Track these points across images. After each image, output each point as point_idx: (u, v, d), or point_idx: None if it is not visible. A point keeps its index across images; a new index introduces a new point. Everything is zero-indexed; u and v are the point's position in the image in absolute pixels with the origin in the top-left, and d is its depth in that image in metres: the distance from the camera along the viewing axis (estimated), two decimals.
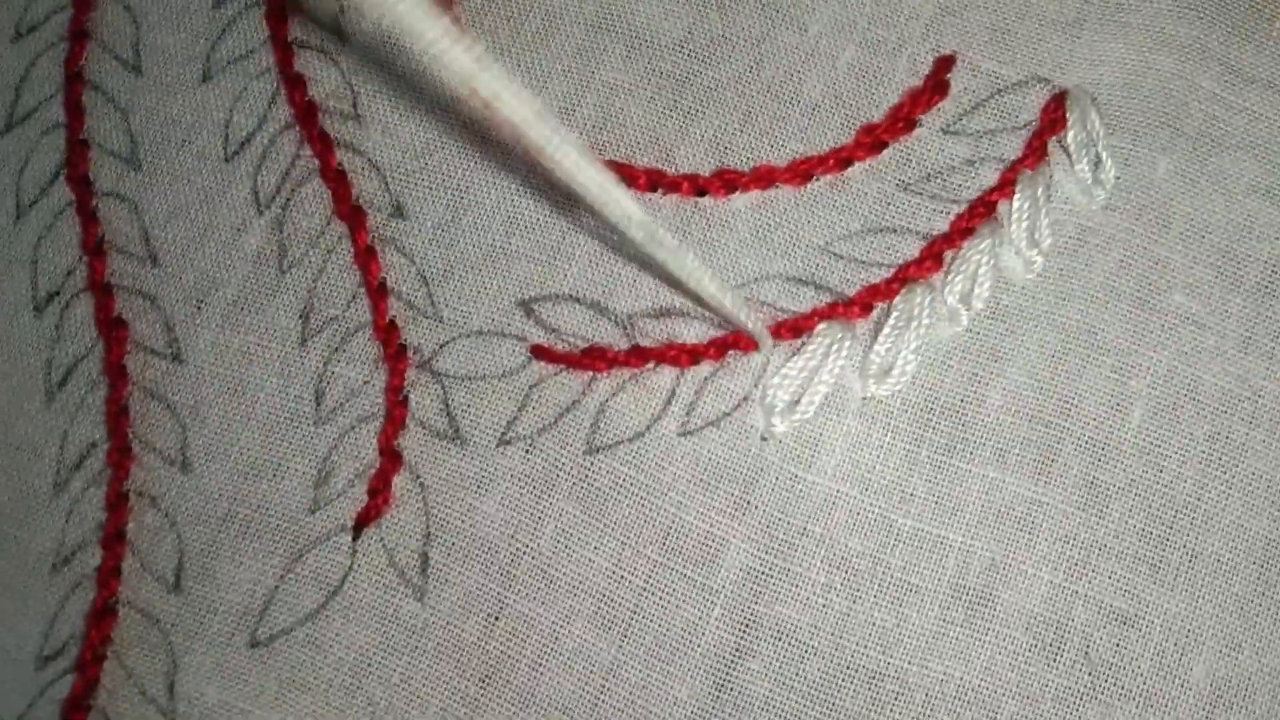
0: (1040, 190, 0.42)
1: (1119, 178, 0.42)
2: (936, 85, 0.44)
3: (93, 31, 0.47)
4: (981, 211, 0.42)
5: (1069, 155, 0.42)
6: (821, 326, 0.41)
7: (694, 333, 0.42)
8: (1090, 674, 0.40)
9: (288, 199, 0.44)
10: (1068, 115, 0.42)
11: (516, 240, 0.43)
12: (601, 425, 0.42)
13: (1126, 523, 0.41)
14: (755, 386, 0.41)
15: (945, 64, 0.44)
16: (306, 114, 0.45)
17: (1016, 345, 0.42)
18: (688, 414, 0.42)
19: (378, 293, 0.43)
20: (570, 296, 0.43)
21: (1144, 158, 0.43)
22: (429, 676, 0.41)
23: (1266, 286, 0.42)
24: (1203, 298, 0.42)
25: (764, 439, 0.41)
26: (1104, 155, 0.42)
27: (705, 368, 0.42)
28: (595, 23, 0.45)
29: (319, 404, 0.43)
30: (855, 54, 0.45)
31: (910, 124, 0.43)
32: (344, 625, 0.41)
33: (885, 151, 0.43)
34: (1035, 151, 0.42)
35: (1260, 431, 0.41)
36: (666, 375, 0.42)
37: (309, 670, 0.41)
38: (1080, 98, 0.43)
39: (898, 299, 0.42)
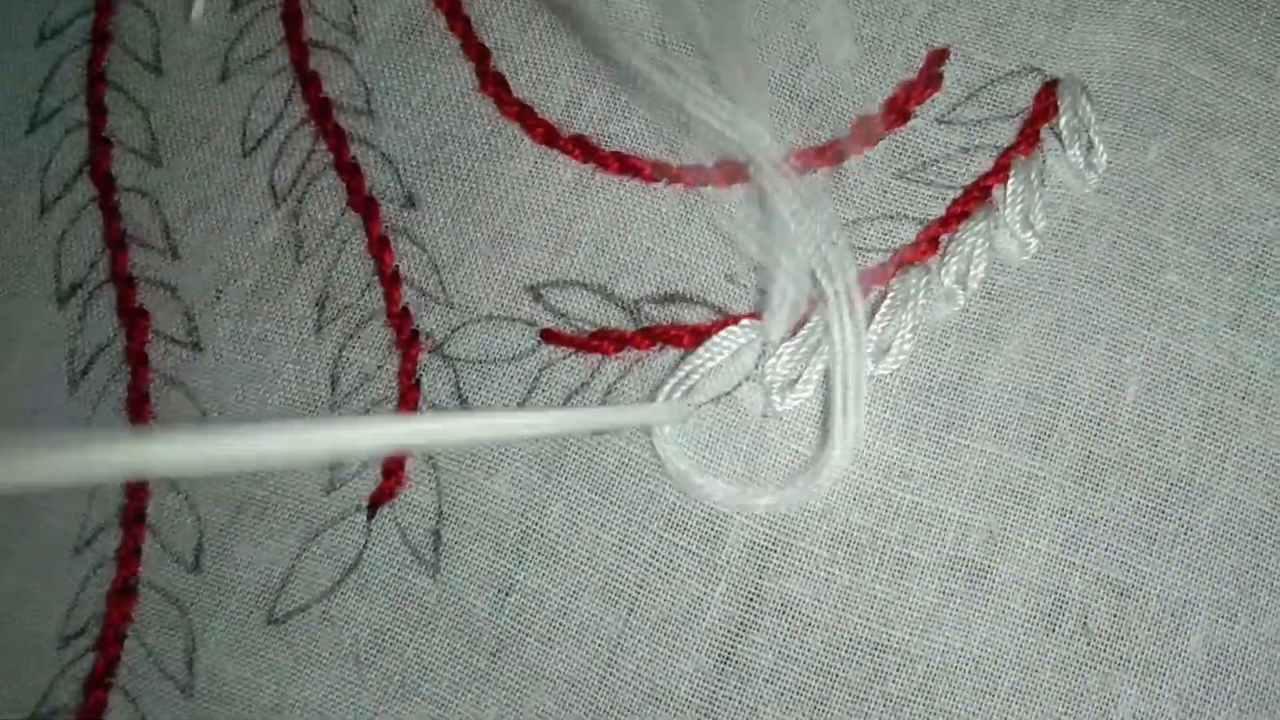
0: (1034, 174, 0.45)
1: (1111, 162, 0.46)
2: (930, 78, 0.47)
3: (114, 34, 0.50)
4: (976, 196, 0.45)
5: (1061, 141, 0.45)
6: (820, 308, 0.44)
7: (697, 316, 0.45)
8: (1089, 643, 0.42)
9: (303, 192, 0.48)
10: (1060, 102, 0.46)
11: (524, 227, 0.47)
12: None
13: (1122, 496, 0.43)
14: (756, 366, 0.44)
15: (939, 57, 0.47)
16: (321, 110, 0.48)
17: (1012, 324, 0.45)
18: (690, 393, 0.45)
19: (390, 281, 0.46)
20: (577, 282, 0.46)
21: (1135, 143, 0.46)
22: (441, 651, 0.44)
23: (1257, 265, 0.45)
24: (1195, 276, 0.45)
25: (765, 416, 0.44)
26: (1096, 140, 0.45)
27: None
28: (599, 21, 0.49)
29: (334, 388, 0.46)
30: (851, 50, 0.48)
31: (905, 115, 0.47)
32: (359, 602, 0.44)
33: (881, 143, 0.47)
34: (1028, 138, 0.46)
35: (1253, 406, 0.44)
36: (671, 357, 0.45)
37: (325, 645, 0.44)
38: (1072, 85, 0.46)
39: (893, 281, 0.45)
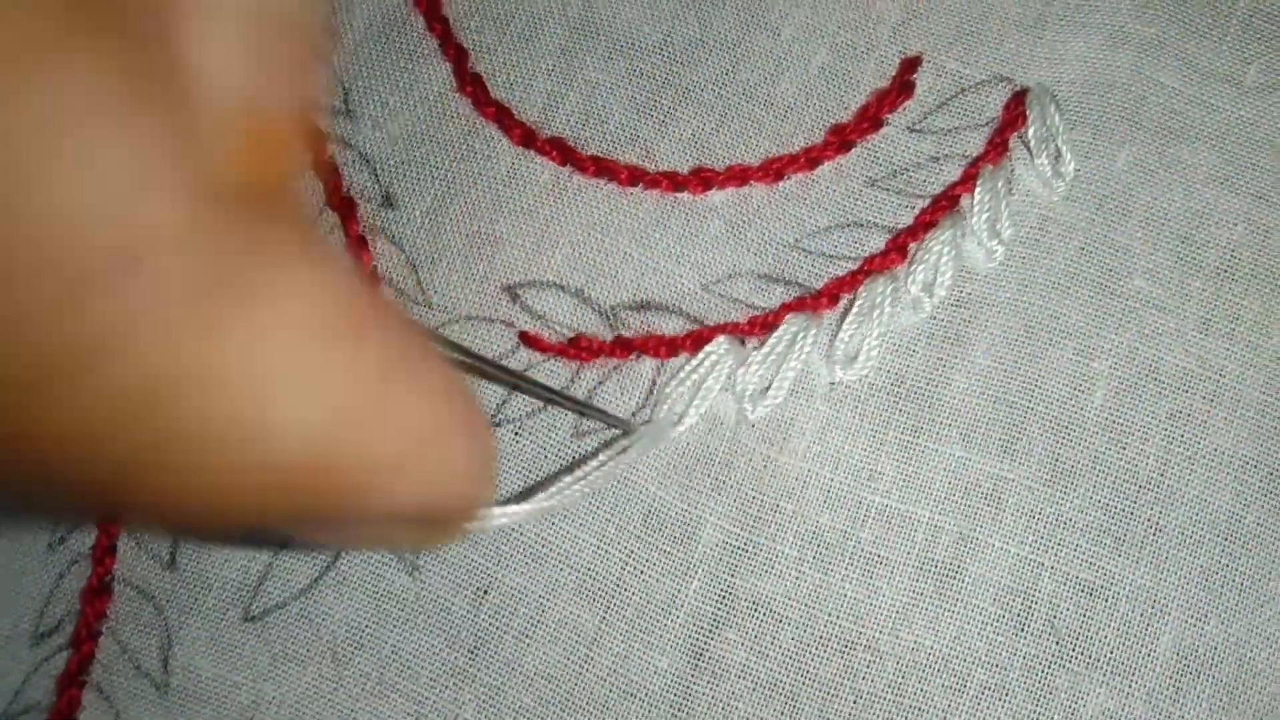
0: (1001, 183, 0.47)
1: (1079, 170, 0.47)
2: (903, 86, 0.49)
3: None
4: (944, 205, 0.47)
5: (1030, 150, 0.47)
6: (789, 317, 0.46)
7: (671, 326, 0.47)
8: (1057, 643, 0.44)
9: None
10: (1028, 112, 0.47)
11: (501, 227, 0.48)
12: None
13: (1091, 498, 0.45)
14: (728, 376, 0.46)
15: (911, 65, 0.49)
16: None
17: (980, 330, 0.46)
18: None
19: (369, 280, 0.47)
20: (555, 284, 0.47)
21: (1104, 150, 0.48)
22: (419, 649, 0.45)
23: (1225, 270, 0.47)
24: (1163, 282, 0.47)
25: (738, 424, 0.46)
26: (1064, 149, 0.47)
27: (682, 359, 0.46)
28: (578, 24, 0.50)
29: None
30: (826, 57, 0.50)
31: (877, 123, 0.48)
32: (337, 600, 0.45)
33: (853, 150, 0.48)
34: (997, 147, 0.47)
35: (1221, 409, 0.46)
36: (648, 365, 0.47)
37: (302, 643, 0.45)
38: (1040, 95, 0.48)
39: (861, 289, 0.46)
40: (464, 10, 0.51)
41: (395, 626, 0.45)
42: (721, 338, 0.46)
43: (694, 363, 0.46)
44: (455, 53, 0.49)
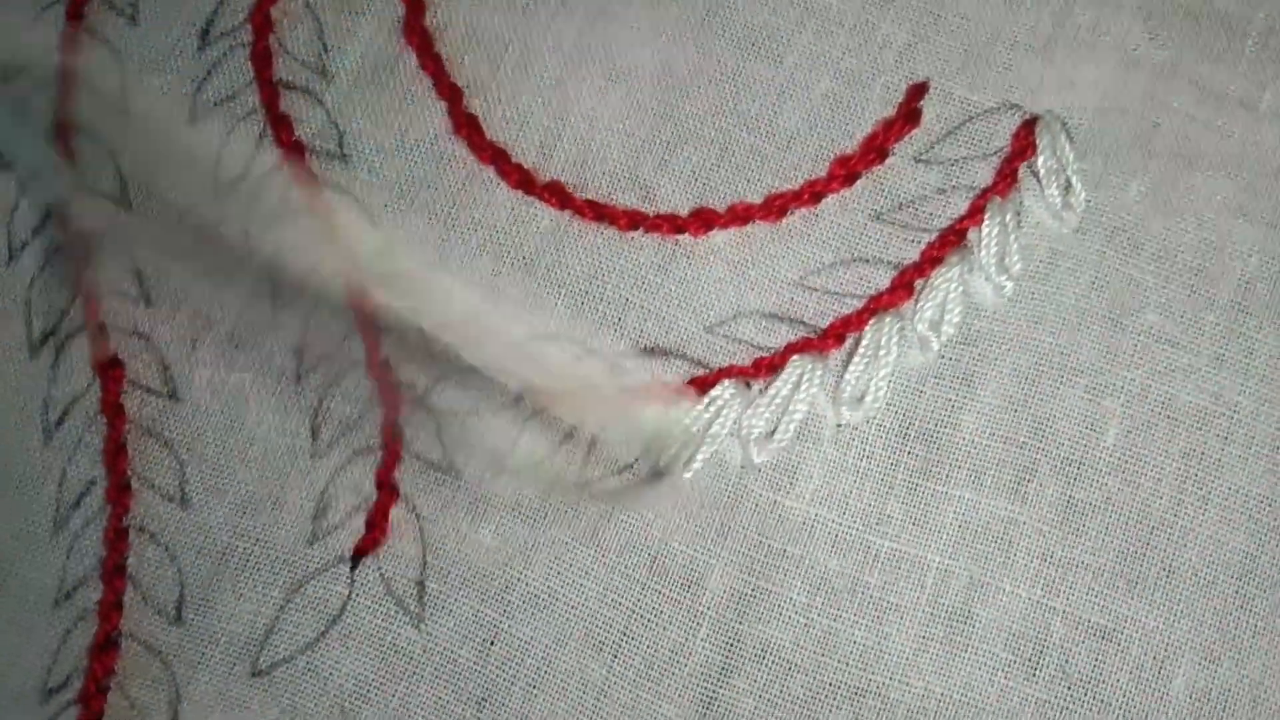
0: (1010, 217, 0.46)
1: (1090, 201, 0.47)
2: (909, 114, 0.48)
3: (81, 74, 0.51)
4: (951, 240, 0.46)
5: (1039, 181, 0.47)
6: (794, 359, 0.46)
7: (676, 370, 0.47)
8: (1069, 688, 0.44)
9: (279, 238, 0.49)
10: (1038, 141, 0.47)
11: (503, 278, 0.48)
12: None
13: (1103, 539, 0.45)
14: (734, 421, 0.46)
15: (918, 91, 0.48)
16: (294, 154, 0.49)
17: (989, 369, 0.46)
18: None
19: (371, 330, 0.47)
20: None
21: (1116, 181, 0.47)
22: (426, 701, 0.45)
23: (1240, 304, 0.46)
24: (1176, 316, 0.46)
25: (743, 468, 0.46)
26: (1074, 180, 0.46)
27: (687, 405, 0.46)
28: (572, 54, 0.50)
29: (315, 439, 0.47)
30: (830, 85, 0.49)
31: (883, 154, 0.48)
32: (343, 653, 0.46)
33: (858, 182, 0.48)
34: (1005, 178, 0.47)
35: (1235, 447, 0.45)
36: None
37: (309, 697, 0.45)
38: (1051, 123, 0.47)
39: (867, 328, 0.46)
40: (457, 45, 0.50)
41: (402, 679, 0.45)
42: (726, 382, 0.46)
43: (699, 408, 0.46)
44: (449, 92, 0.49)
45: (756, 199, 0.48)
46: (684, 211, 0.48)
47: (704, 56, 0.49)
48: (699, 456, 0.45)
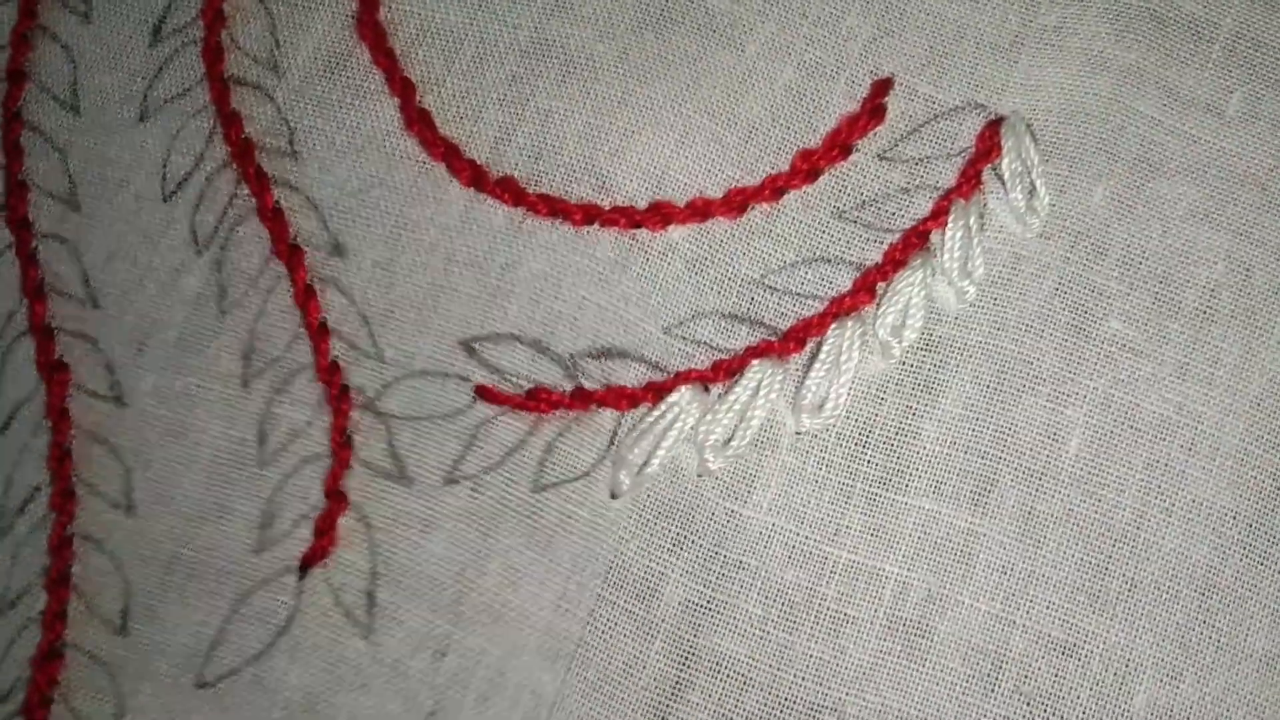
0: (973, 220, 0.46)
1: (1054, 205, 0.46)
2: (873, 110, 0.47)
3: (31, 72, 0.50)
4: (914, 242, 0.46)
5: (1003, 183, 0.46)
6: (754, 364, 0.45)
7: (632, 374, 0.46)
8: (1028, 705, 0.43)
9: (226, 239, 0.48)
10: (1003, 143, 0.46)
11: (455, 278, 0.47)
12: (548, 464, 0.46)
13: (1064, 552, 0.44)
14: (691, 427, 0.45)
15: (882, 87, 0.47)
16: (243, 152, 0.48)
17: (950, 376, 0.45)
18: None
19: (318, 333, 0.47)
20: (511, 335, 0.46)
21: (1080, 185, 0.46)
22: (376, 714, 0.45)
23: (1205, 311, 0.46)
24: (1140, 324, 0.45)
25: (700, 475, 0.45)
26: (1039, 183, 0.46)
27: (642, 410, 0.45)
28: (529, 49, 0.49)
29: (263, 446, 0.46)
30: (793, 76, 0.48)
31: (846, 150, 0.47)
32: (290, 665, 0.45)
33: (821, 179, 0.47)
34: (969, 180, 0.46)
35: (1199, 458, 0.45)
36: (609, 416, 0.46)
37: (256, 710, 0.45)
38: (1016, 125, 0.46)
39: (829, 333, 0.45)
40: (411, 40, 0.49)
41: (351, 691, 0.45)
42: (684, 388, 0.45)
43: (655, 414, 0.45)
44: (402, 87, 0.48)
45: (716, 191, 0.47)
46: (641, 204, 0.47)
47: (663, 44, 0.48)
48: (654, 462, 0.45)
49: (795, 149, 0.48)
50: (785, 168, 0.47)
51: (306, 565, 0.46)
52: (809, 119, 0.48)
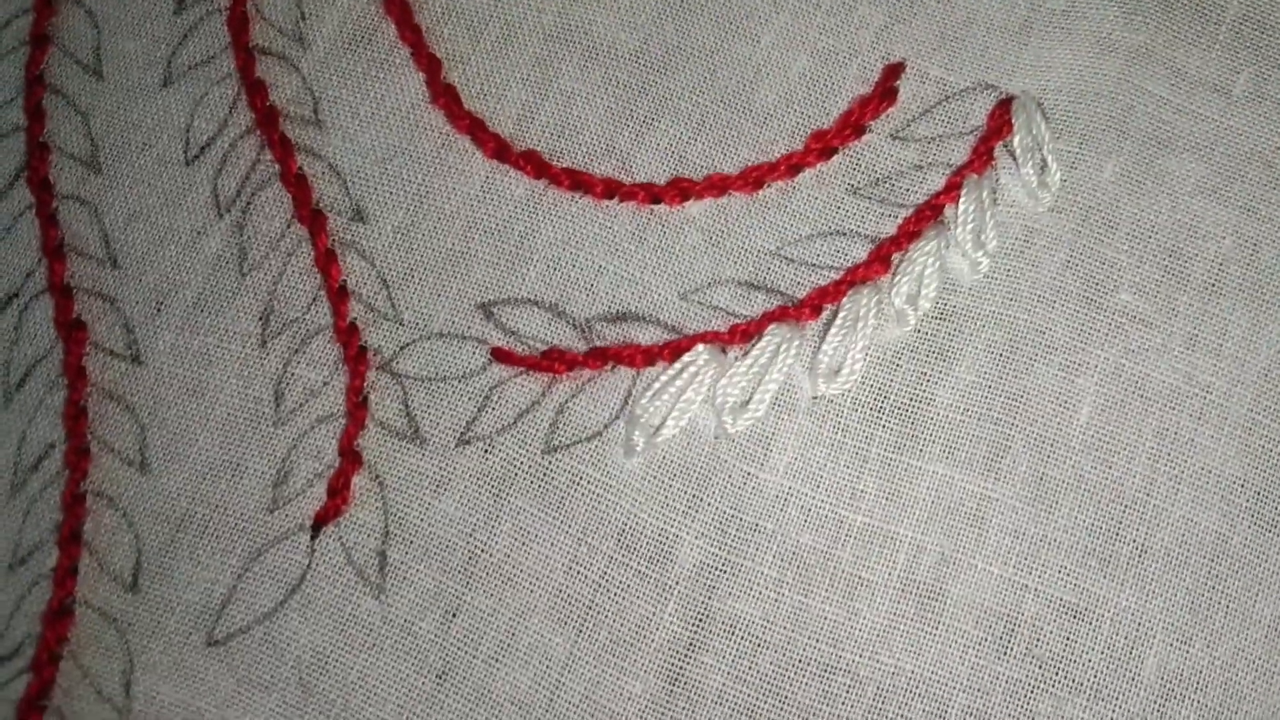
0: (986, 194, 0.47)
1: (1065, 180, 0.47)
2: (885, 92, 0.48)
3: (54, 36, 0.51)
4: (928, 215, 0.47)
5: (1015, 159, 0.47)
6: (771, 328, 0.46)
7: (649, 335, 0.46)
8: (1040, 667, 0.44)
9: (248, 203, 0.48)
10: (1014, 120, 0.47)
11: (475, 244, 0.48)
12: (560, 425, 0.46)
13: (1075, 518, 0.45)
14: (708, 387, 0.46)
15: (894, 71, 0.49)
16: (267, 119, 0.49)
17: (964, 345, 0.46)
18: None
19: (338, 295, 0.47)
20: (529, 300, 0.47)
21: (1091, 161, 0.47)
22: (386, 674, 0.45)
23: (1212, 284, 0.47)
24: (1149, 296, 0.46)
25: (716, 438, 0.45)
26: (1049, 159, 0.47)
27: (659, 369, 0.46)
28: (553, 33, 0.50)
29: (278, 405, 0.47)
30: (807, 64, 0.49)
31: (860, 130, 0.48)
32: (302, 624, 0.45)
33: (835, 157, 0.48)
34: (981, 156, 0.47)
35: (1208, 427, 0.45)
36: (623, 376, 0.46)
37: (266, 668, 0.45)
38: (1026, 103, 0.47)
39: (844, 300, 0.46)
40: (437, 18, 0.50)
41: (361, 651, 0.45)
42: (701, 346, 0.46)
43: (672, 372, 0.46)
44: (428, 63, 0.49)
45: (733, 171, 0.48)
46: (661, 181, 0.48)
47: (682, 36, 0.50)
48: (670, 423, 0.45)
49: (809, 132, 0.49)
50: (800, 149, 0.48)
51: (319, 524, 0.46)
52: (822, 104, 0.49)
